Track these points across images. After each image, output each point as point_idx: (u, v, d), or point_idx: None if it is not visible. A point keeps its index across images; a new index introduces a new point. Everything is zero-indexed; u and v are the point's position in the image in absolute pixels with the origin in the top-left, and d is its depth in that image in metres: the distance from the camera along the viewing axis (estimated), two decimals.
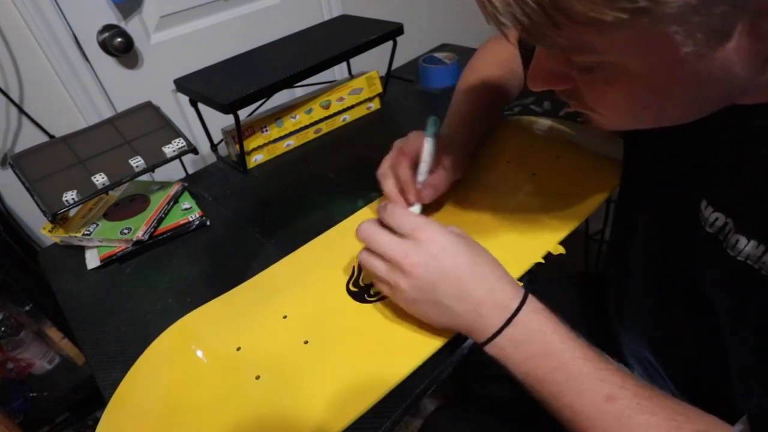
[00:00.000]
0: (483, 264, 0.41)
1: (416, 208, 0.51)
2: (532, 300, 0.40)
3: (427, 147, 0.51)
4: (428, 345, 0.43)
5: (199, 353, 0.47)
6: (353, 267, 0.52)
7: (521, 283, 0.42)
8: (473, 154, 0.63)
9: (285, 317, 0.48)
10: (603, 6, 0.24)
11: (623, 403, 0.34)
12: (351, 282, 0.51)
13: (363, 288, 0.50)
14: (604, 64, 0.30)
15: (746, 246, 0.35)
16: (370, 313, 0.47)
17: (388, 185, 0.53)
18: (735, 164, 0.38)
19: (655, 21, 0.25)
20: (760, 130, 0.35)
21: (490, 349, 0.39)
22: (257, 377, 0.43)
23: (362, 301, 0.48)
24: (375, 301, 0.48)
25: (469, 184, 0.61)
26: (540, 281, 0.50)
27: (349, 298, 0.49)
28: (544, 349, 0.37)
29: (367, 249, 0.44)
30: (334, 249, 0.56)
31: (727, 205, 0.38)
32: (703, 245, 0.39)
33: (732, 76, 0.28)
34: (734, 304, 0.37)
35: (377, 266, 0.43)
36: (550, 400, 0.37)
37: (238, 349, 0.46)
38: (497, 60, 0.67)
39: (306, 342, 0.45)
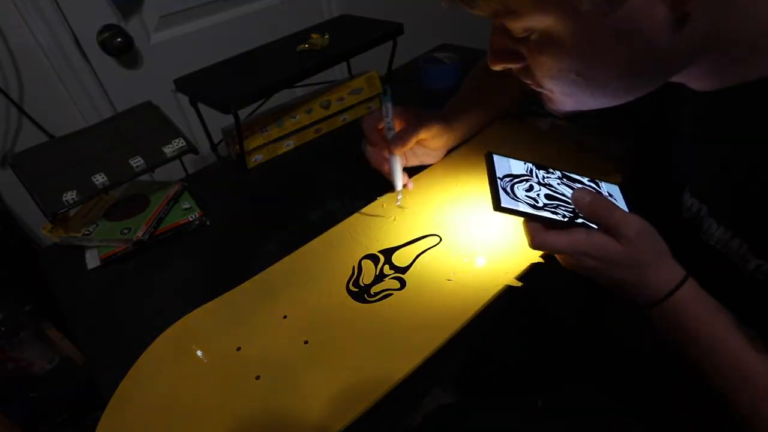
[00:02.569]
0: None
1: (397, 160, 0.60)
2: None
3: (386, 108, 0.60)
4: (428, 345, 0.43)
5: (199, 353, 0.47)
6: (353, 267, 0.52)
7: None
8: (458, 134, 0.68)
9: (285, 317, 0.48)
10: None
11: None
12: (351, 282, 0.51)
13: (363, 288, 0.50)
14: (532, 32, 0.34)
15: (716, 231, 0.38)
16: (370, 313, 0.47)
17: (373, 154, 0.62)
18: (705, 152, 0.40)
19: None
20: (716, 119, 0.38)
21: (672, 302, 0.39)
22: (257, 377, 0.43)
23: (362, 301, 0.48)
24: (375, 301, 0.48)
25: (469, 186, 0.61)
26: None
27: (349, 298, 0.49)
28: (715, 306, 0.39)
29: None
30: (334, 249, 0.56)
31: (701, 190, 0.40)
32: (680, 231, 0.41)
33: (644, 39, 0.30)
34: (709, 289, 0.39)
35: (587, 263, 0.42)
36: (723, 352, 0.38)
37: (239, 349, 0.46)
38: None
39: (306, 342, 0.45)
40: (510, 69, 0.40)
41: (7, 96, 0.94)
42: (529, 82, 0.40)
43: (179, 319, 0.50)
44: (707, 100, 0.38)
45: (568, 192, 0.44)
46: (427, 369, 0.43)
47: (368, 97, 0.87)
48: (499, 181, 0.43)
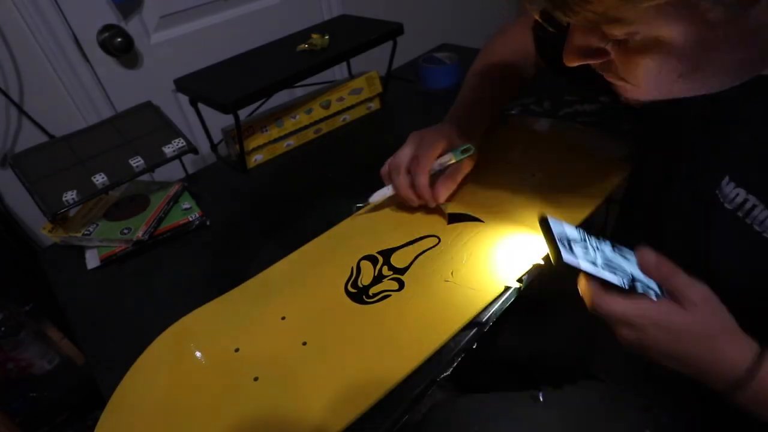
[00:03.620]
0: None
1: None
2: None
3: (447, 161, 0.56)
4: (427, 346, 0.43)
5: (198, 354, 0.47)
6: (352, 268, 0.52)
7: None
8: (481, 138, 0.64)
9: (283, 318, 0.48)
10: None
11: None
12: (350, 283, 0.51)
13: (362, 289, 0.50)
14: (636, 35, 0.31)
15: None
16: (369, 314, 0.47)
17: (402, 183, 0.55)
18: (752, 140, 0.38)
19: None
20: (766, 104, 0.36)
21: (751, 388, 0.37)
22: (255, 378, 0.43)
23: (361, 302, 0.48)
24: (374, 302, 0.48)
25: (468, 186, 0.61)
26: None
27: (347, 299, 0.49)
28: None
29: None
30: (333, 250, 0.56)
31: (749, 180, 0.38)
32: (723, 223, 0.39)
33: (763, 40, 0.29)
34: (756, 282, 0.38)
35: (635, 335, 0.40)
36: None
37: (237, 350, 0.46)
38: (510, 47, 0.67)
39: (304, 343, 0.45)
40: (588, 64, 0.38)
41: (7, 96, 0.94)
42: (608, 75, 0.38)
43: (179, 319, 0.50)
44: (757, 85, 0.36)
45: (620, 261, 0.43)
46: (426, 370, 0.43)
47: (368, 97, 0.87)
48: (558, 240, 0.43)
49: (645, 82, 0.35)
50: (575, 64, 0.37)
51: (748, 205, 0.38)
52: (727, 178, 0.40)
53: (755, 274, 0.39)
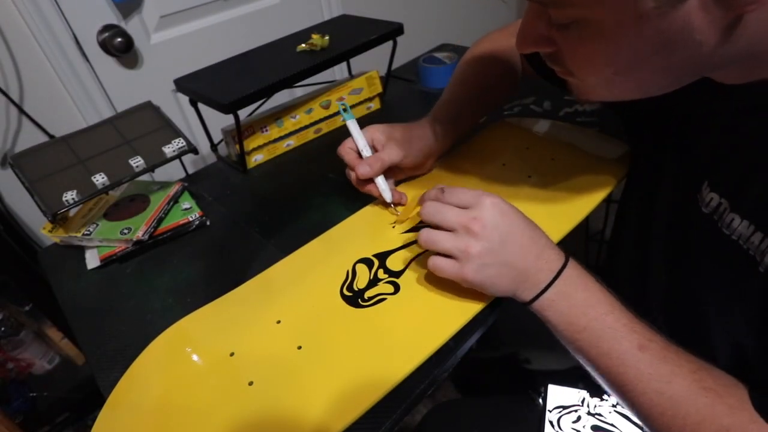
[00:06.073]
0: (533, 227, 0.45)
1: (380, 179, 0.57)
2: (572, 259, 0.43)
3: (352, 128, 0.58)
4: (422, 350, 0.43)
5: (195, 357, 0.46)
6: (347, 271, 0.52)
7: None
8: (445, 142, 0.63)
9: (278, 322, 0.48)
10: None
11: (652, 353, 0.37)
12: (345, 286, 0.50)
13: (357, 292, 0.49)
14: (578, 20, 0.32)
15: (739, 225, 0.37)
16: (364, 317, 0.46)
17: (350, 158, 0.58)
18: (726, 146, 0.39)
19: None
20: (740, 112, 0.37)
21: (541, 302, 0.42)
22: (250, 383, 0.42)
23: (356, 305, 0.48)
24: (369, 305, 0.48)
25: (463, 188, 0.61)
26: None
27: (343, 302, 0.48)
28: (588, 300, 0.41)
29: (428, 228, 0.46)
30: (330, 252, 0.56)
31: (722, 185, 0.39)
32: (700, 225, 0.41)
33: (694, 43, 0.30)
34: (727, 286, 0.39)
35: (443, 239, 0.44)
36: (589, 348, 0.40)
37: (232, 354, 0.45)
38: (494, 55, 0.67)
39: (299, 347, 0.45)
40: (537, 53, 0.39)
41: (7, 96, 0.94)
42: (559, 70, 0.39)
43: (179, 319, 0.50)
44: (734, 92, 0.37)
45: (620, 420, 0.48)
46: (426, 370, 0.43)
47: (368, 97, 0.87)
48: (548, 413, 0.48)
49: (586, 75, 0.36)
50: (527, 51, 0.39)
51: (720, 209, 0.39)
52: (706, 183, 0.41)
53: (726, 280, 0.39)
